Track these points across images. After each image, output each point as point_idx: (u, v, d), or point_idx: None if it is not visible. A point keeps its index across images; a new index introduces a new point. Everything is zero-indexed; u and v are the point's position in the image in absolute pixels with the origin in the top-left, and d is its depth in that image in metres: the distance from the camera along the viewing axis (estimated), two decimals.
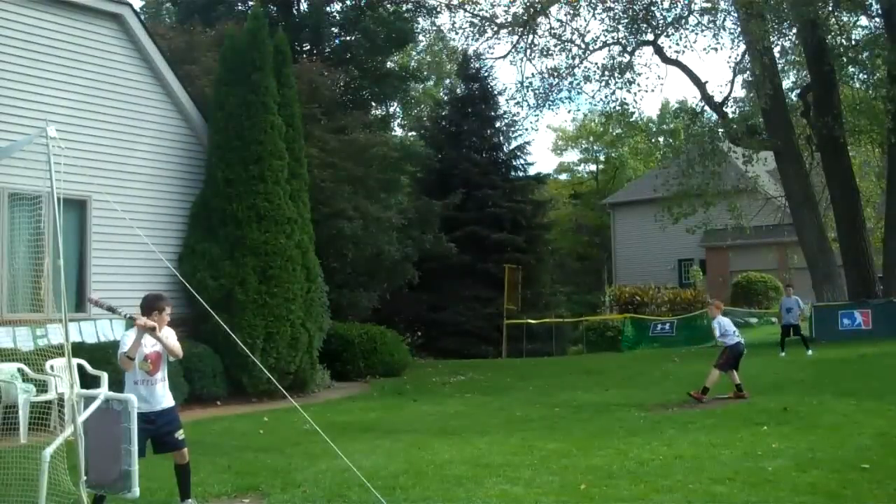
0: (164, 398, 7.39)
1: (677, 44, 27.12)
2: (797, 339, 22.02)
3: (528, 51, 28.03)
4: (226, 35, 18.91)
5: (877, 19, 24.89)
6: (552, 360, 28.15)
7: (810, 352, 21.10)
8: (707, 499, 7.55)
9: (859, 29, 25.72)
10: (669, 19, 27.17)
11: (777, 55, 26.10)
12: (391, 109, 42.21)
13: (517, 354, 30.84)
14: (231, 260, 16.66)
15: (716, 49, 45.46)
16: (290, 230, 17.25)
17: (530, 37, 28.08)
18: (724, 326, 14.73)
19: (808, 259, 26.84)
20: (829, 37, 24.45)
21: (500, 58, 29.86)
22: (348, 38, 30.61)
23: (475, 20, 28.06)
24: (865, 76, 24.85)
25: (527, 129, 64.41)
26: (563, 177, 76.83)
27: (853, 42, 24.40)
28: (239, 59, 17.35)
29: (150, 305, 7.26)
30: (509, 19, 27.86)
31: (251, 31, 17.58)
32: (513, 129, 39.21)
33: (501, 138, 40.02)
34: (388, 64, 33.72)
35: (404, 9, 30.54)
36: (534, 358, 29.06)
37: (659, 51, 27.54)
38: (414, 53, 48.31)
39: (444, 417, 13.99)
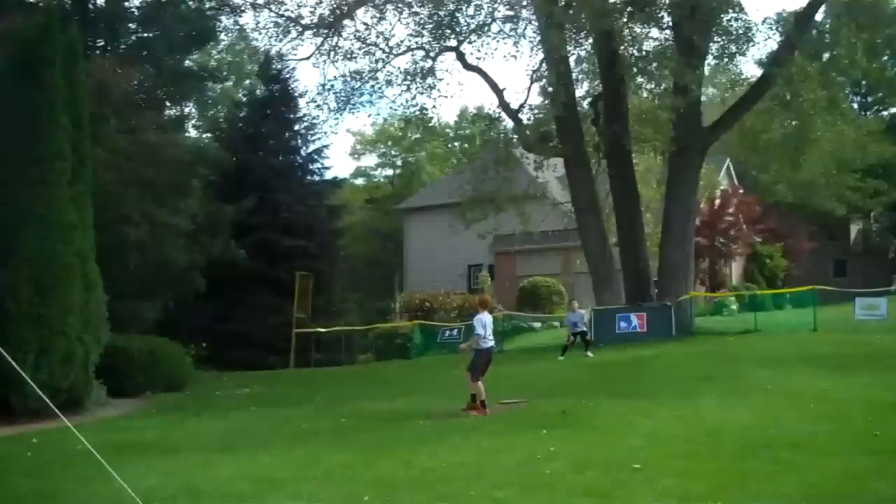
0: None
1: (479, 50, 27.60)
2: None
3: (332, 53, 27.72)
4: (13, 29, 17.72)
5: (667, 31, 26.09)
6: (341, 370, 27.97)
7: (590, 354, 21.86)
8: None
9: (650, 41, 26.89)
10: (473, 26, 27.53)
11: (572, 64, 26.91)
12: (186, 110, 40.90)
13: (306, 365, 30.42)
14: (3, 269, 15.53)
15: (515, 57, 46.70)
16: (69, 237, 16.22)
17: (335, 39, 27.81)
18: (489, 326, 14.25)
19: (590, 264, 27.78)
20: (622, 47, 25.44)
21: (303, 59, 29.41)
22: (146, 34, 29.38)
23: (280, 20, 27.49)
24: (653, 86, 25.98)
25: (326, 133, 63.98)
26: (360, 181, 76.86)
27: (644, 53, 25.45)
28: (26, 55, 16.23)
29: None
30: (315, 20, 27.44)
31: (41, 25, 16.51)
32: (312, 132, 38.98)
33: (300, 141, 39.71)
34: (187, 63, 32.60)
35: (207, 6, 29.54)
36: (323, 368, 28.76)
37: (461, 57, 27.88)
38: (214, 52, 46.99)
39: (227, 433, 13.53)
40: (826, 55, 28.68)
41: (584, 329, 23.07)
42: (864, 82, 64.56)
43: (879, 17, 26.29)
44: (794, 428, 10.47)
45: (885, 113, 68.92)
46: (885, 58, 62.94)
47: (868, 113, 67.14)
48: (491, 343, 14.22)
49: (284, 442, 12.03)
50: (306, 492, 8.53)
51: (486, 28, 27.30)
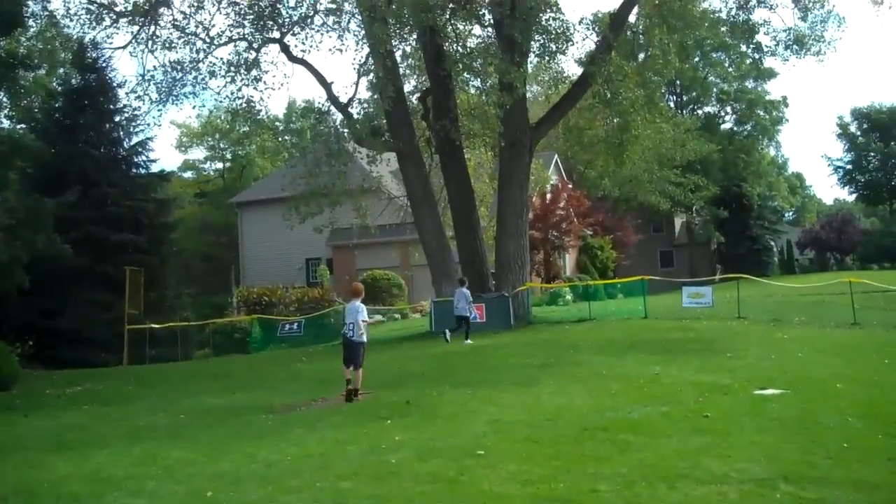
0: None
1: (303, 43, 27.08)
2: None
3: (151, 42, 26.73)
4: None
5: (489, 29, 26.52)
6: (178, 366, 27.29)
7: (469, 340, 22.24)
8: (334, 496, 7.56)
9: (474, 37, 27.24)
10: (295, 18, 27.13)
11: (399, 59, 26.98)
12: None
13: (140, 361, 29.51)
14: None
15: (341, 50, 46.24)
16: None
17: (152, 27, 26.83)
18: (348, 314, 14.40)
19: (428, 256, 28.03)
20: (447, 44, 25.68)
21: (119, 48, 28.24)
22: None
23: (92, 7, 26.26)
24: (479, 83, 26.35)
25: (149, 125, 62.04)
26: (189, 175, 74.96)
27: (468, 49, 25.75)
28: None
29: None
30: (129, 8, 26.40)
31: None
32: (134, 123, 37.51)
33: (122, 133, 38.24)
34: None
35: None
36: (158, 364, 27.97)
37: (285, 49, 27.44)
38: (24, 39, 44.65)
39: (59, 432, 12.96)
40: (641, 55, 29.94)
41: (466, 314, 23.36)
42: (678, 82, 67.83)
43: (688, 20, 27.56)
44: (630, 411, 10.86)
45: (699, 112, 72.54)
46: (697, 59, 66.33)
47: (684, 112, 70.50)
48: (344, 331, 14.41)
49: (121, 440, 11.64)
50: (146, 490, 8.30)
51: (309, 20, 26.91)
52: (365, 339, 14.10)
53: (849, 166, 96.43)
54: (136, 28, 26.97)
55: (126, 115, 37.23)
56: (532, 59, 27.13)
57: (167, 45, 26.63)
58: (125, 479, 8.81)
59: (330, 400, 14.13)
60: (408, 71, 28.48)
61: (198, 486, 8.31)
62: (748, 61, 51.21)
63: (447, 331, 22.73)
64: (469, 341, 22.15)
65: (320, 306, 35.23)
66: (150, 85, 26.93)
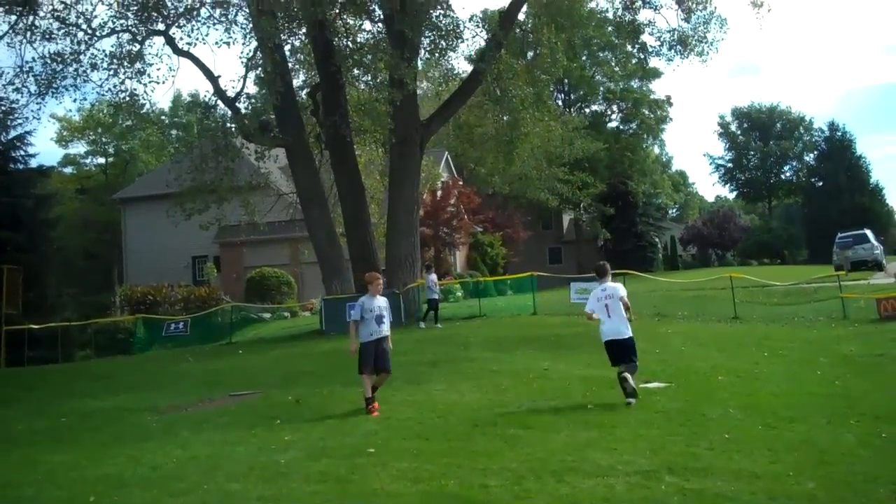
0: None
1: (189, 36, 26.36)
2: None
3: (29, 33, 25.78)
4: None
5: (379, 24, 26.44)
6: (58, 367, 26.41)
7: (440, 325, 23.24)
8: (222, 498, 7.44)
9: (364, 33, 27.12)
10: (181, 10, 26.50)
11: (288, 53, 26.68)
12: None
13: (18, 363, 28.41)
14: None
15: (228, 43, 45.49)
16: None
17: (31, 17, 25.87)
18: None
19: (318, 254, 27.81)
20: (337, 39, 25.48)
21: None
22: None
23: None
24: (369, 79, 26.25)
25: (28, 119, 59.55)
26: (69, 170, 72.65)
27: (358, 45, 25.61)
28: None
29: None
30: None
31: None
32: (11, 117, 36.02)
33: None
34: None
35: None
36: (38, 366, 27.00)
37: (170, 42, 26.80)
38: None
39: None
40: (530, 54, 30.31)
41: (437, 298, 24.13)
42: (566, 81, 69.03)
43: (575, 19, 28.08)
44: (519, 406, 10.98)
45: (587, 110, 73.95)
46: (584, 58, 67.62)
47: (572, 110, 71.77)
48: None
49: None
50: (26, 496, 8.07)
51: (195, 12, 26.37)
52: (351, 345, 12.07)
53: (730, 164, 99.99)
54: (13, 18, 25.99)
55: (3, 108, 35.77)
56: (422, 55, 27.14)
57: (47, 36, 25.72)
58: (3, 486, 8.56)
59: (217, 401, 13.87)
60: (297, 66, 28.24)
61: (80, 490, 8.09)
62: (633, 61, 52.32)
63: (421, 323, 23.80)
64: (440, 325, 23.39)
65: (207, 305, 34.63)
66: (28, 77, 25.97)
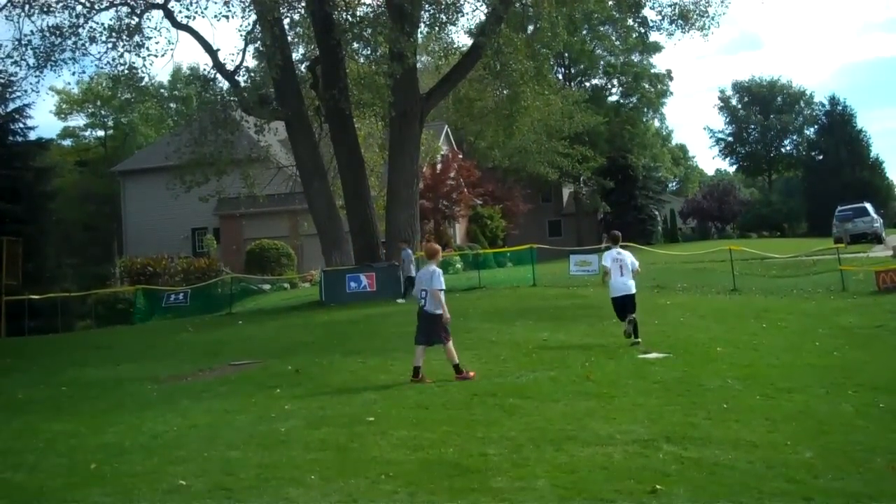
0: None
1: (188, 9, 26.19)
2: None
3: (27, 6, 25.63)
4: None
5: None
6: (58, 338, 26.48)
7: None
8: (222, 465, 7.45)
9: (364, 6, 26.99)
10: None
11: (287, 27, 26.56)
12: None
13: (19, 333, 28.53)
14: None
15: (227, 17, 45.12)
16: None
17: None
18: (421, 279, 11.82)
19: (318, 226, 27.83)
20: (336, 12, 25.37)
21: None
22: None
23: None
24: (369, 52, 26.15)
25: (27, 91, 59.21)
26: (68, 142, 72.45)
27: (358, 18, 25.50)
28: None
29: None
30: None
31: None
32: (10, 90, 35.94)
33: None
34: None
35: None
36: (38, 336, 27.11)
37: (169, 15, 26.67)
38: None
39: None
40: (530, 28, 30.13)
41: (411, 275, 23.80)
42: (566, 55, 68.72)
43: None
44: (518, 376, 11.02)
45: (587, 84, 73.66)
46: (585, 32, 67.29)
47: (572, 84, 71.52)
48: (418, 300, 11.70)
49: None
50: (26, 463, 8.07)
51: None
52: (440, 311, 11.29)
53: (730, 138, 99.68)
54: None
55: (2, 80, 35.66)
56: (422, 29, 27.04)
57: (45, 9, 25.57)
58: (3, 454, 8.58)
59: (217, 370, 13.92)
60: (296, 39, 28.09)
61: (81, 458, 8.10)
62: (634, 35, 52.13)
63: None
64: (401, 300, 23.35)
65: (207, 276, 34.70)
66: (27, 50, 25.85)
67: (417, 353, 11.28)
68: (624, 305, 13.37)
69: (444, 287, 11.51)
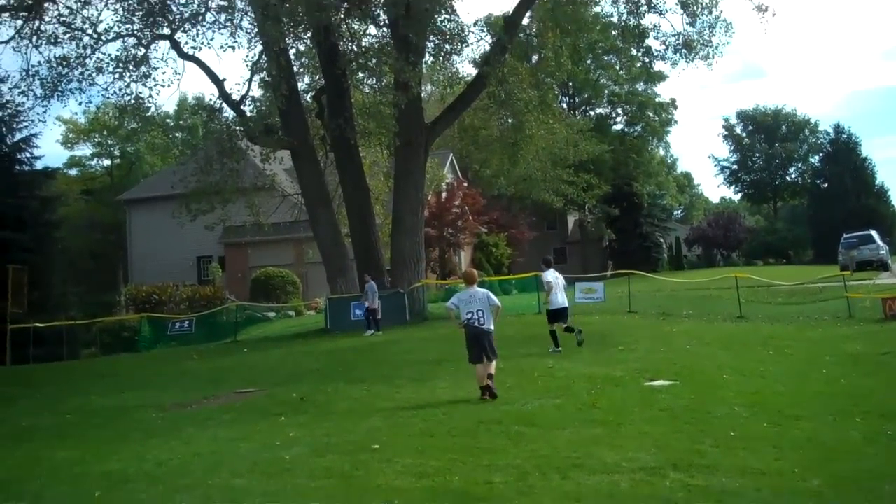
0: None
1: (194, 40, 26.39)
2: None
3: (35, 38, 25.87)
4: None
5: (384, 29, 26.52)
6: (63, 365, 26.54)
7: (377, 332, 23.25)
8: (227, 494, 7.44)
9: (369, 37, 27.21)
10: (186, 15, 26.57)
11: (293, 57, 26.78)
12: None
13: (24, 361, 28.55)
14: None
15: (233, 48, 45.51)
16: None
17: (37, 22, 25.94)
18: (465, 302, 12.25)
19: (323, 254, 27.92)
20: (342, 42, 25.57)
21: (2, 42, 26.94)
22: None
23: None
24: (374, 82, 26.33)
25: (34, 121, 59.54)
26: (75, 171, 72.77)
27: (363, 49, 25.71)
28: None
29: None
30: (13, 2, 25.50)
31: None
32: (17, 119, 36.15)
33: (4, 129, 36.89)
34: None
35: None
36: (43, 364, 27.10)
37: (176, 46, 26.88)
38: None
39: None
40: (535, 57, 30.32)
41: (374, 307, 24.05)
42: (571, 84, 69.02)
43: (581, 24, 28.04)
44: (524, 403, 10.95)
45: (592, 113, 73.93)
46: (589, 61, 67.66)
47: (577, 113, 71.77)
48: (466, 316, 12.03)
49: (3, 441, 11.34)
50: (30, 491, 8.08)
51: (201, 17, 26.46)
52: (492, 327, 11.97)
53: (734, 166, 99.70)
54: (19, 22, 26.09)
55: (9, 110, 35.87)
56: (427, 59, 27.25)
57: (53, 41, 25.81)
58: (7, 482, 8.58)
59: (221, 398, 13.89)
60: (302, 69, 28.36)
61: (85, 486, 8.11)
62: (638, 65, 52.34)
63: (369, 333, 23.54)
64: (369, 332, 23.09)
65: (212, 304, 34.72)
66: (34, 80, 26.07)
67: (480, 373, 11.65)
68: (561, 315, 16.59)
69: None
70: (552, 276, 16.84)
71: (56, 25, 25.97)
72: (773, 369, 13.00)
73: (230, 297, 36.98)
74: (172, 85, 48.15)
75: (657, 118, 73.97)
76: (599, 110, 75.43)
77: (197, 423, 11.49)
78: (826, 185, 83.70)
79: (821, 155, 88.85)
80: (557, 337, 16.25)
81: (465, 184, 53.98)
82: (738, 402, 10.30)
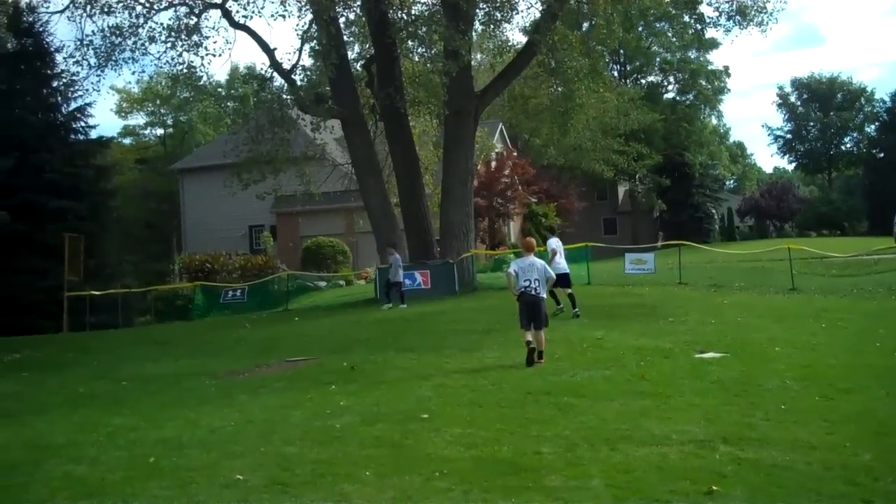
0: None
1: (245, 8, 26.41)
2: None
3: (89, 7, 26.09)
4: None
5: None
6: (119, 333, 26.98)
7: (404, 305, 23.11)
8: (278, 461, 7.53)
9: (418, 5, 27.08)
10: None
11: (343, 26, 26.74)
12: None
13: (80, 328, 29.11)
14: None
15: (284, 16, 45.49)
16: None
17: None
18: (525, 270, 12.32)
19: (373, 223, 28.00)
20: (391, 11, 25.50)
21: (57, 12, 27.22)
22: None
23: None
24: (424, 50, 26.26)
25: (88, 91, 60.43)
26: (128, 141, 73.68)
27: (413, 17, 25.60)
28: None
29: None
30: None
31: None
32: (72, 89, 36.65)
33: (59, 98, 37.46)
34: None
35: None
36: (99, 331, 27.61)
37: (227, 14, 26.96)
38: None
39: None
40: (585, 25, 29.94)
41: (397, 280, 24.13)
42: (622, 51, 68.20)
43: None
44: (573, 374, 10.96)
45: (643, 81, 73.03)
46: (640, 29, 66.76)
47: (628, 81, 70.96)
48: (524, 283, 12.14)
49: (61, 407, 11.50)
50: (87, 456, 8.18)
51: None
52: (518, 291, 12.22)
53: (788, 136, 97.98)
54: None
55: (64, 80, 36.38)
56: (477, 26, 27.04)
57: (106, 10, 26.00)
58: (65, 447, 8.70)
59: (273, 366, 14.06)
60: (352, 38, 28.30)
61: (140, 452, 8.23)
62: (690, 32, 51.55)
63: (403, 305, 23.45)
64: (387, 306, 23.36)
65: (264, 273, 35.06)
66: (88, 50, 26.33)
67: (528, 336, 11.94)
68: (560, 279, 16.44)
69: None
70: (556, 244, 18.59)
71: None
72: (825, 342, 12.86)
73: (281, 266, 37.29)
74: (224, 54, 48.64)
75: (709, 86, 72.94)
76: (651, 78, 74.55)
77: (249, 390, 11.64)
78: (882, 154, 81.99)
79: (877, 124, 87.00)
80: (557, 296, 17.43)
81: (515, 153, 53.71)
82: (789, 374, 10.22)
